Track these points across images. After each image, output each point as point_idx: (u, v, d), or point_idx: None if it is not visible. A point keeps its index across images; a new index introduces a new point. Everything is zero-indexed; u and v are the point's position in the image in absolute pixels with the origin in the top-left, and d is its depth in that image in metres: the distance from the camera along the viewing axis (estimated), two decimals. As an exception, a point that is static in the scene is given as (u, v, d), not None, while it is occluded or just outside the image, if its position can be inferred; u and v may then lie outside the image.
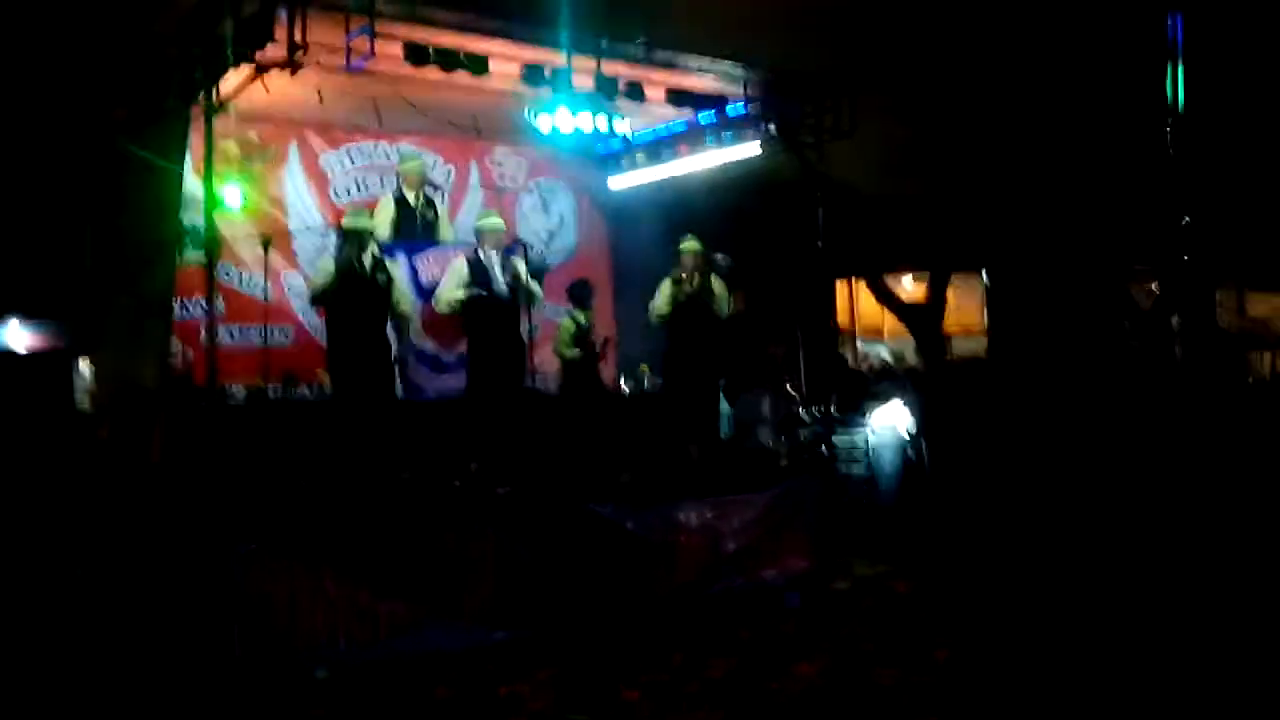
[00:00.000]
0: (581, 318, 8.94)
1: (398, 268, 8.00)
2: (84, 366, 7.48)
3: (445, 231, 9.00)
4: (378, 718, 5.40)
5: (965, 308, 15.68)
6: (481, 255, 7.99)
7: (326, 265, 7.46)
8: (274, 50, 6.56)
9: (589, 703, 5.46)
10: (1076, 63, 9.39)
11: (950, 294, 13.85)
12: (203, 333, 7.82)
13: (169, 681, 5.45)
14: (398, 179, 9.02)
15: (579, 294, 9.10)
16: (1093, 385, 9.21)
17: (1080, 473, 8.48)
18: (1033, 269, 10.23)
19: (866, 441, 9.10)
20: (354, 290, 7.34)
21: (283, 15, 6.44)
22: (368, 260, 7.43)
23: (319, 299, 7.55)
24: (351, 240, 7.42)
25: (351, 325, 7.35)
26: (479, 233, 8.09)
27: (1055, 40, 9.28)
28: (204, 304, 7.35)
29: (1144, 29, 9.22)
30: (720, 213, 9.96)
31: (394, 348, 8.19)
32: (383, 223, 8.68)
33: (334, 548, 6.14)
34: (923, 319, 13.33)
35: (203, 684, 5.52)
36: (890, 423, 9.10)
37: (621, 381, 9.46)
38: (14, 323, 8.42)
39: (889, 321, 15.24)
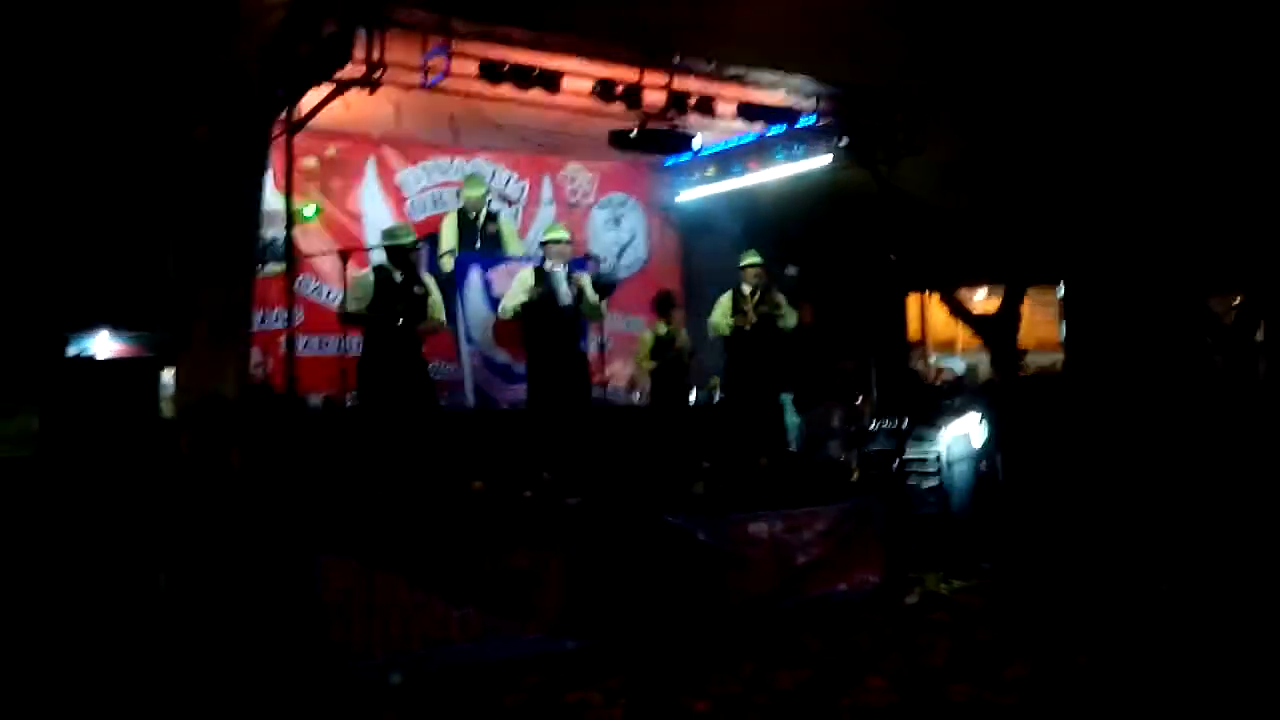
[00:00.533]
0: (662, 329, 8.98)
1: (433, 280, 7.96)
2: (167, 376, 7.68)
3: (513, 246, 9.11)
4: (452, 722, 5.48)
5: (1041, 321, 15.45)
6: (548, 267, 8.06)
7: (365, 280, 7.45)
8: (352, 69, 6.71)
9: (658, 712, 5.49)
10: (1156, 71, 9.25)
11: (1026, 307, 13.65)
12: (282, 343, 8.01)
13: (250, 685, 5.58)
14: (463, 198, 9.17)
15: (660, 306, 9.14)
16: (1172, 401, 9.02)
17: (1158, 489, 8.32)
18: (1110, 282, 10.06)
19: (939, 455, 9.01)
20: (391, 303, 7.39)
21: (361, 35, 6.59)
22: (402, 275, 7.44)
23: (348, 319, 7.41)
24: (392, 254, 7.47)
25: (386, 337, 7.35)
26: (544, 246, 8.18)
27: (1132, 50, 9.15)
28: (284, 315, 7.52)
29: (1223, 36, 9.08)
30: (791, 225, 9.95)
31: (465, 356, 8.32)
32: (450, 236, 8.87)
33: (408, 555, 6.25)
34: (997, 332, 13.14)
35: (281, 688, 5.64)
36: (963, 436, 9.01)
37: (693, 394, 9.47)
38: (104, 333, 8.67)
39: (962, 335, 15.06)
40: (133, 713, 5.27)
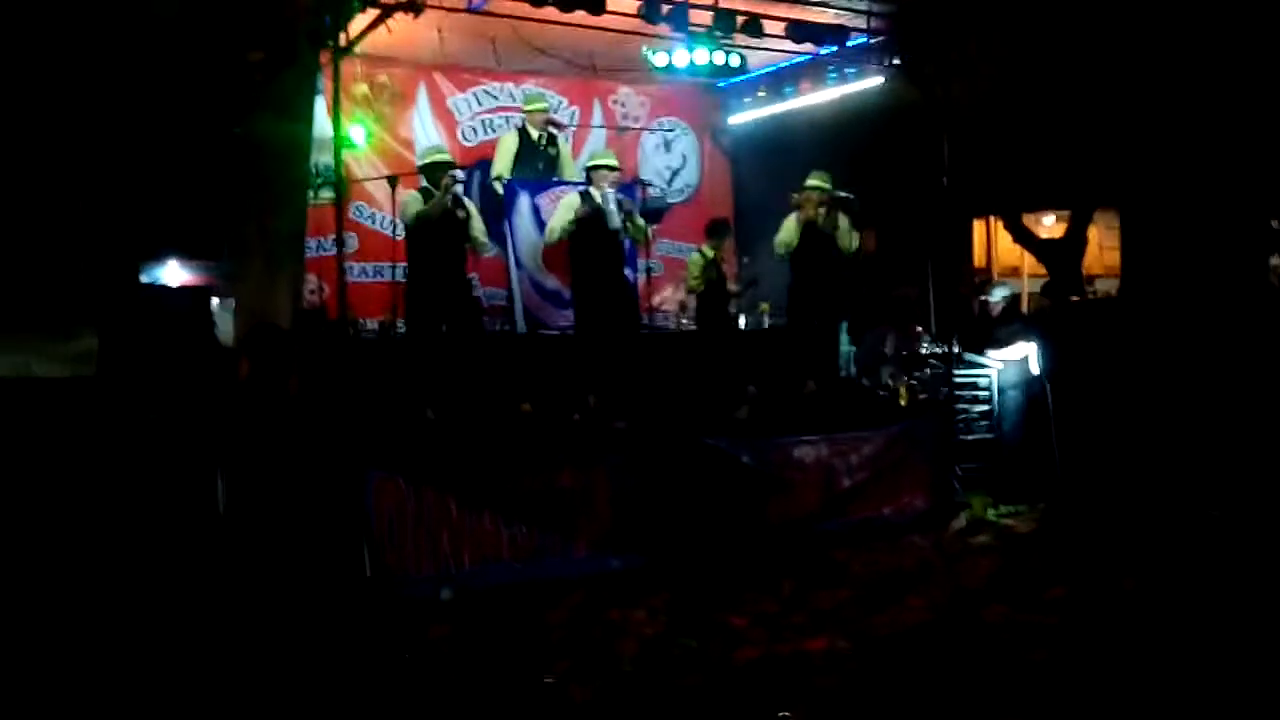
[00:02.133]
0: (710, 252, 8.97)
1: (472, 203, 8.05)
2: (225, 302, 7.86)
3: (568, 169, 9.12)
4: (496, 637, 5.62)
5: (1111, 247, 15.12)
6: (595, 192, 8.07)
7: (410, 203, 7.56)
8: (396, -9, 6.73)
9: (698, 628, 5.59)
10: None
11: (1094, 232, 13.36)
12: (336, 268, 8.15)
13: (304, 598, 5.78)
14: (523, 118, 9.17)
15: (711, 230, 9.11)
16: (1231, 325, 8.82)
17: (1213, 414, 8.18)
18: (1169, 203, 9.79)
19: (991, 381, 8.94)
20: (432, 224, 7.45)
21: (405, -41, 6.61)
22: (444, 195, 7.49)
23: (412, 228, 7.53)
24: (428, 175, 7.53)
25: (431, 258, 7.45)
26: (590, 170, 8.17)
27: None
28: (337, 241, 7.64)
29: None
30: (847, 149, 9.80)
31: (515, 281, 8.41)
32: (505, 159, 8.86)
33: (458, 475, 6.40)
34: (1062, 258, 12.91)
35: (334, 600, 5.84)
36: (1016, 362, 8.92)
37: (740, 319, 9.47)
38: (173, 262, 8.90)
39: (1028, 261, 14.81)
40: (189, 623, 5.50)
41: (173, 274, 9.30)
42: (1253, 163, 9.36)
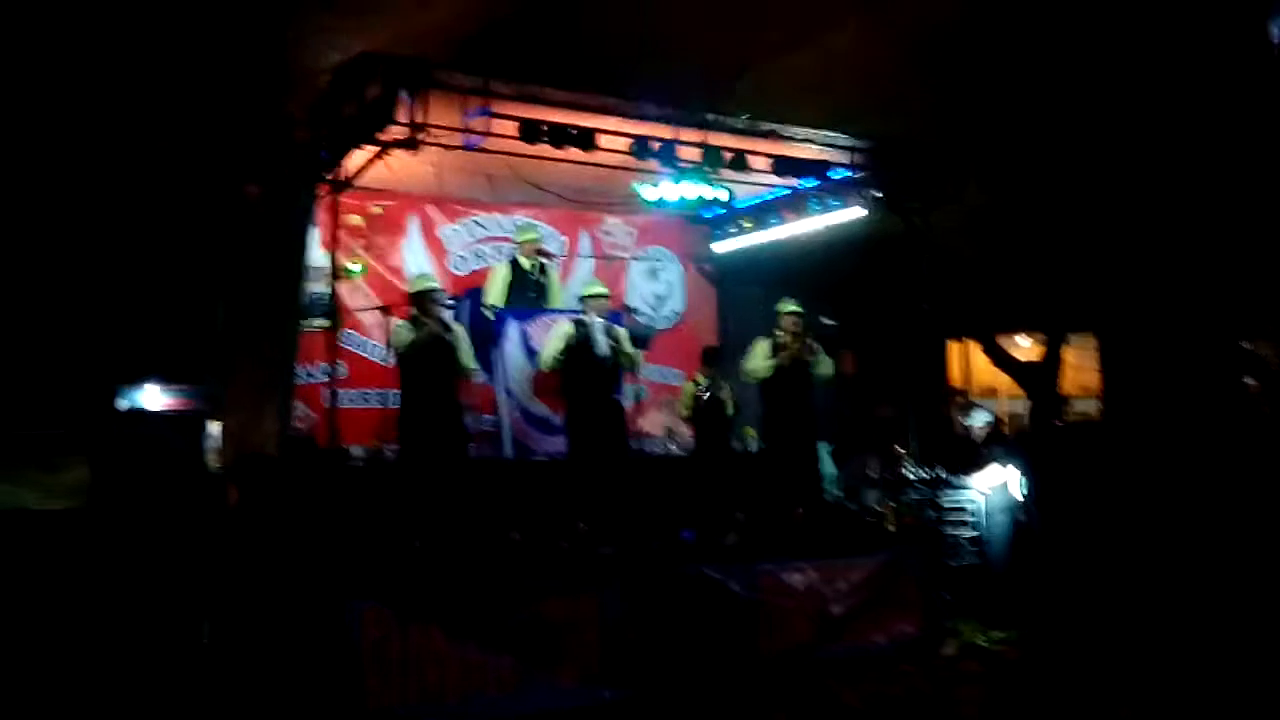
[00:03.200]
0: (703, 380, 9.09)
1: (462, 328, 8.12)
2: (213, 428, 7.87)
3: (557, 298, 9.29)
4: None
5: (1086, 368, 15.35)
6: (586, 320, 8.23)
7: (401, 331, 7.68)
8: (395, 131, 6.91)
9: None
10: (1190, 114, 9.26)
11: (1069, 354, 13.58)
12: (323, 396, 8.20)
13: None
14: (513, 249, 9.37)
15: (708, 358, 9.26)
16: (1215, 448, 8.94)
17: (1201, 540, 8.24)
18: (1148, 327, 10.00)
19: (977, 505, 8.99)
20: (423, 351, 7.55)
21: (404, 98, 6.80)
22: (434, 323, 7.62)
23: (405, 355, 7.63)
24: (417, 303, 7.68)
25: (422, 385, 7.54)
26: (583, 300, 8.35)
27: (1165, 98, 9.18)
28: (328, 369, 7.71)
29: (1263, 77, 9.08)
30: (828, 276, 10.02)
31: (504, 408, 8.49)
32: (497, 288, 9.04)
33: (445, 605, 6.36)
34: (1038, 380, 13.09)
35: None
36: (1001, 486, 8.99)
37: (730, 444, 9.54)
38: (153, 386, 8.89)
39: (1004, 383, 15.00)
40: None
41: (152, 398, 9.28)
42: (1223, 284, 9.61)
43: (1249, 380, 10.86)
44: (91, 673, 5.46)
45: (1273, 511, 8.42)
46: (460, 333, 7.85)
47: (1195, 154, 9.48)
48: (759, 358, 8.69)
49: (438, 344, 7.59)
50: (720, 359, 9.30)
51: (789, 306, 8.75)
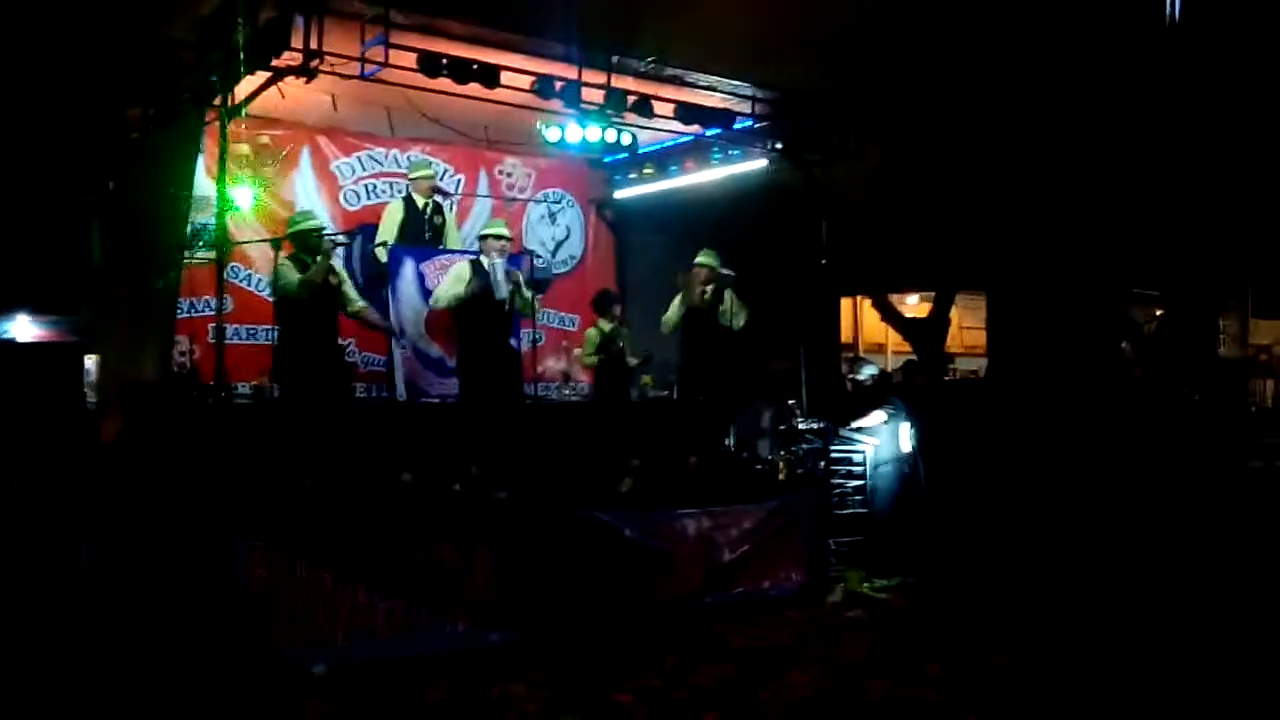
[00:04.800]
0: (606, 326, 9.04)
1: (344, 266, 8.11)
2: (89, 362, 7.57)
3: (452, 238, 9.12)
4: (374, 714, 5.47)
5: (970, 327, 15.77)
6: (485, 262, 8.11)
7: (285, 270, 7.53)
8: (290, 57, 6.66)
9: (581, 705, 5.54)
10: (1081, 81, 9.49)
11: (955, 313, 13.92)
12: (211, 330, 7.94)
13: (172, 673, 5.53)
14: (407, 186, 9.14)
15: (600, 304, 9.21)
16: (1090, 408, 9.27)
17: (1074, 493, 8.55)
18: (1033, 289, 10.31)
19: (865, 457, 9.16)
20: (302, 292, 7.44)
21: (299, 23, 6.55)
22: (325, 262, 7.53)
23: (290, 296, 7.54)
24: (299, 241, 7.53)
25: (304, 325, 7.40)
26: (482, 239, 8.23)
27: (1060, 58, 9.38)
28: (212, 303, 7.46)
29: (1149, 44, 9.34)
30: (726, 227, 10.04)
31: (396, 349, 8.35)
32: (390, 227, 8.82)
33: (334, 546, 6.23)
34: (925, 337, 13.40)
35: (202, 675, 5.60)
36: (889, 439, 9.17)
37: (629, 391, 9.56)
38: (23, 317, 8.51)
39: (892, 339, 15.33)
40: (49, 703, 5.21)
41: (23, 328, 8.89)
42: (1113, 254, 9.93)
43: (1123, 344, 11.29)
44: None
45: (1142, 465, 8.80)
46: (343, 273, 7.73)
47: (1087, 119, 9.73)
48: (675, 309, 8.73)
49: (323, 285, 7.44)
50: (612, 303, 9.26)
51: (704, 258, 8.78)
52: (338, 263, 7.91)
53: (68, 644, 5.46)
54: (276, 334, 7.66)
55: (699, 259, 8.79)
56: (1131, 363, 11.33)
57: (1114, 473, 8.77)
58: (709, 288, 8.77)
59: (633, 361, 9.33)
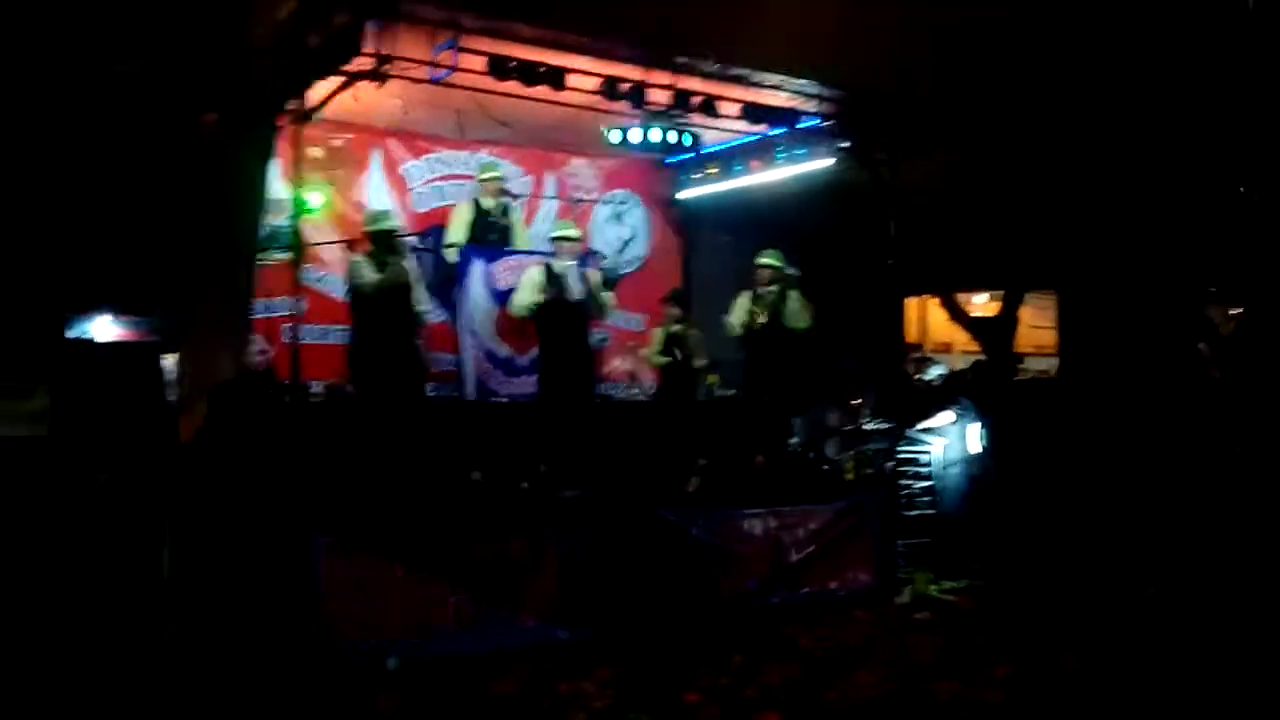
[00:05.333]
0: (673, 326, 9.07)
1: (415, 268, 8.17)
2: (169, 361, 7.77)
3: (520, 239, 9.21)
4: (444, 708, 5.55)
5: (1040, 327, 15.54)
6: (556, 264, 8.20)
7: (361, 268, 7.65)
8: (361, 62, 6.78)
9: (649, 703, 5.56)
10: (1158, 79, 9.32)
11: (1025, 313, 13.73)
12: (284, 331, 8.11)
13: (247, 664, 5.66)
14: (476, 187, 9.27)
15: (671, 300, 9.24)
16: (1165, 408, 9.10)
17: (1148, 495, 8.40)
18: (1106, 288, 10.13)
19: (933, 457, 9.09)
20: (383, 290, 7.55)
21: (371, 29, 6.67)
22: (390, 260, 7.65)
23: (366, 294, 7.70)
24: (376, 241, 7.65)
25: (378, 323, 7.52)
26: (555, 242, 8.31)
27: (1134, 57, 9.23)
28: (287, 303, 7.62)
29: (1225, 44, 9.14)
30: (792, 225, 10.02)
31: (466, 348, 8.47)
32: (459, 228, 8.95)
33: (406, 542, 6.34)
34: (994, 336, 13.23)
35: (276, 668, 5.72)
36: (958, 439, 9.09)
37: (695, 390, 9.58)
38: (103, 318, 8.75)
39: (960, 338, 15.15)
40: (135, 692, 5.36)
41: (103, 329, 9.14)
42: (1190, 253, 9.73)
43: (1200, 344, 11.04)
44: (52, 601, 5.42)
45: (1218, 468, 8.61)
46: (416, 275, 7.85)
47: (1163, 113, 9.55)
48: (739, 311, 8.72)
49: (396, 284, 7.56)
50: (685, 301, 9.28)
51: (767, 259, 8.76)
52: (411, 264, 8.02)
53: (149, 634, 5.60)
54: (350, 332, 7.78)
55: (761, 260, 8.78)
56: (1208, 364, 11.08)
57: (1189, 475, 8.60)
58: (773, 288, 8.75)
59: (699, 363, 9.34)
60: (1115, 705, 5.57)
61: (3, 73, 7.66)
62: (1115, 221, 10.27)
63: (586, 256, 8.71)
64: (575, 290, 8.12)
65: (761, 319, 8.72)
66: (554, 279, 8.11)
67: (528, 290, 8.17)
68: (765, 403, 8.66)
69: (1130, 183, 10.30)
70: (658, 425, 8.57)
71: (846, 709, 5.49)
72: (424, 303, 8.01)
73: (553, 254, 8.35)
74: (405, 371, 7.63)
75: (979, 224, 11.28)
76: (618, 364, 9.87)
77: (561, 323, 8.07)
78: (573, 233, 8.36)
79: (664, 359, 9.03)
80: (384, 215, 8.01)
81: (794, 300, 8.77)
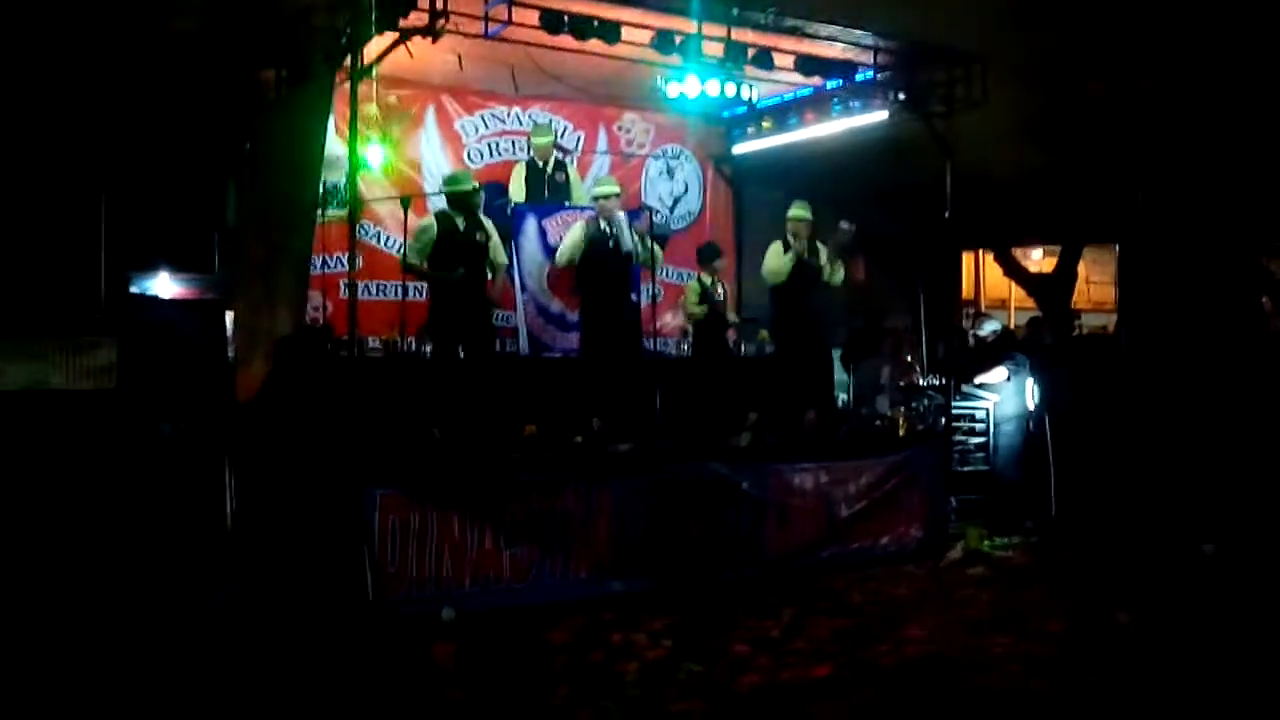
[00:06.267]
0: (707, 279, 9.07)
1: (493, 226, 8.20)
2: (229, 317, 7.90)
3: (576, 193, 9.24)
4: (500, 657, 5.66)
5: (1097, 283, 15.32)
6: (601, 221, 8.22)
7: (428, 228, 7.75)
8: (416, 17, 6.79)
9: (701, 653, 5.64)
10: (1217, 32, 9.09)
11: (1082, 268, 13.55)
12: (343, 287, 8.21)
13: (307, 612, 5.81)
14: (529, 147, 9.29)
15: (703, 256, 9.22)
16: (1225, 364, 8.97)
17: (1206, 451, 8.31)
18: (1166, 243, 9.95)
19: (987, 413, 9.05)
20: (455, 250, 7.62)
21: (426, -17, 6.66)
22: (464, 223, 7.71)
23: (409, 268, 7.77)
24: (452, 201, 7.72)
25: (454, 284, 7.60)
26: (596, 199, 8.34)
27: (1193, 11, 9.00)
28: (344, 260, 7.71)
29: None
30: (846, 180, 9.93)
31: (520, 304, 8.54)
32: (518, 187, 9.00)
33: (462, 494, 6.44)
34: (1051, 292, 13.09)
35: (334, 615, 5.86)
36: (1012, 395, 9.03)
37: (741, 346, 9.57)
38: (163, 274, 8.92)
39: (1016, 294, 14.99)
40: (196, 636, 5.53)
41: (163, 285, 9.31)
42: (1245, 202, 9.53)
43: (1263, 298, 10.85)
44: (115, 548, 5.58)
45: (1278, 427, 8.49)
46: (492, 229, 7.95)
47: (1222, 60, 9.32)
48: (775, 258, 8.64)
49: (469, 241, 7.66)
50: (713, 255, 9.24)
51: (798, 211, 8.68)
52: (488, 223, 8.09)
53: (213, 582, 5.76)
54: (429, 291, 7.90)
55: (793, 212, 8.68)
56: (1270, 317, 10.88)
57: (1249, 432, 8.49)
58: (805, 241, 8.65)
59: (732, 318, 9.33)
60: (1170, 663, 5.54)
61: (66, 35, 7.77)
62: (1176, 174, 10.07)
63: (637, 211, 8.70)
64: (627, 241, 8.16)
65: (790, 260, 8.57)
66: (598, 233, 8.15)
67: (571, 243, 8.23)
68: (810, 357, 8.60)
69: (1190, 133, 10.09)
70: (709, 380, 8.60)
71: (897, 662, 5.52)
72: (503, 255, 8.15)
73: (597, 211, 8.38)
74: (480, 329, 7.75)
75: (1036, 178, 11.12)
76: (669, 319, 9.88)
77: (604, 277, 8.11)
78: (611, 189, 8.38)
79: (702, 309, 9.00)
80: (462, 177, 8.08)
81: (824, 253, 8.68)
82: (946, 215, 8.70)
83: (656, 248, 8.38)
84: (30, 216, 7.43)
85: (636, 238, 8.21)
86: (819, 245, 8.71)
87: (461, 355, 7.51)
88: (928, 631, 6.03)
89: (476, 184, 8.06)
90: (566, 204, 9.01)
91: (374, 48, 7.28)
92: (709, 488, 7.18)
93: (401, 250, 7.80)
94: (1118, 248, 12.37)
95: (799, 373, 8.56)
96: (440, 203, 8.13)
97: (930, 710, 4.91)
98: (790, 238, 8.60)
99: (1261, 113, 9.46)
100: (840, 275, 8.82)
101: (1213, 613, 6.35)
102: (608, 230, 8.19)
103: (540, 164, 9.14)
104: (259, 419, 6.26)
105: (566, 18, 7.11)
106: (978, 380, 9.09)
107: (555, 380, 8.11)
